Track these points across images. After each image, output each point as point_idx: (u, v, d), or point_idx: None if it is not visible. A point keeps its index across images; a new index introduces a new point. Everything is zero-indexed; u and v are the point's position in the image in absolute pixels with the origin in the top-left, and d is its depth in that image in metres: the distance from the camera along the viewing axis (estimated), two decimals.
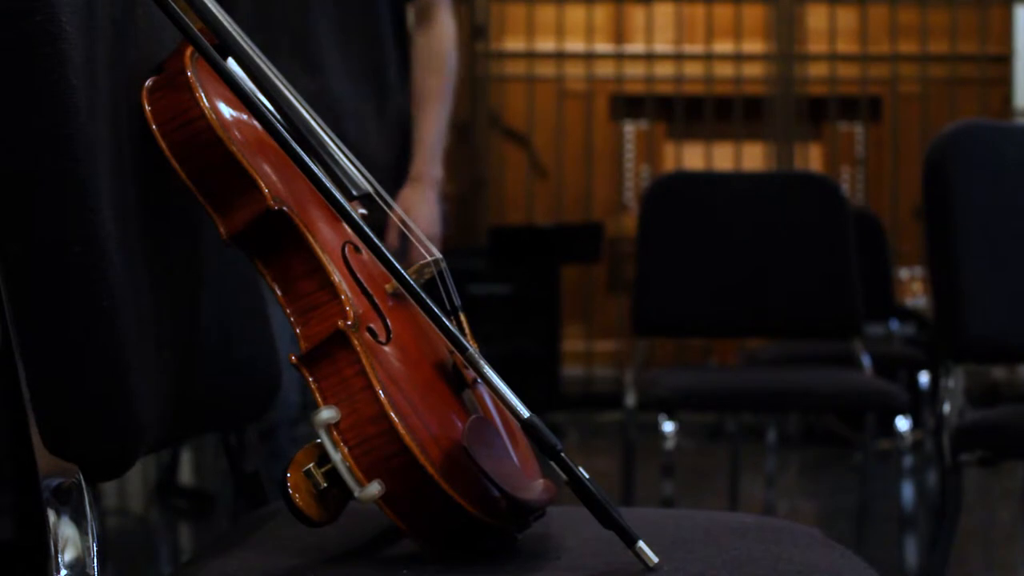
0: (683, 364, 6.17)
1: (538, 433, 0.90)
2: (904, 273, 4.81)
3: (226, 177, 0.94)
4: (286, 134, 0.95)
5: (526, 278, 5.64)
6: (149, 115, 0.95)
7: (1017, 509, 4.09)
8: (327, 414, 0.89)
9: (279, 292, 0.95)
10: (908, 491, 3.40)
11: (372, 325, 0.94)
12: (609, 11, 6.76)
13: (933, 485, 4.22)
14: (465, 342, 0.93)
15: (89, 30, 0.89)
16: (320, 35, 2.18)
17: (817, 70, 6.71)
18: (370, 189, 1.05)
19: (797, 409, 4.68)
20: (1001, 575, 3.33)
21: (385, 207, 1.07)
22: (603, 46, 6.74)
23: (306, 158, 0.95)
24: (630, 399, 2.88)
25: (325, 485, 0.88)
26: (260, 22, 2.13)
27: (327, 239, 0.97)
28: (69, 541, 0.87)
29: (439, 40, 2.33)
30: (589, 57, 6.69)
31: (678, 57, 6.66)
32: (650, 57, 6.66)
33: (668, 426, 2.57)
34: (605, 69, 6.71)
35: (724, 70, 6.65)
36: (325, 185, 0.95)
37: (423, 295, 0.95)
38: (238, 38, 1.01)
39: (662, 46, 6.70)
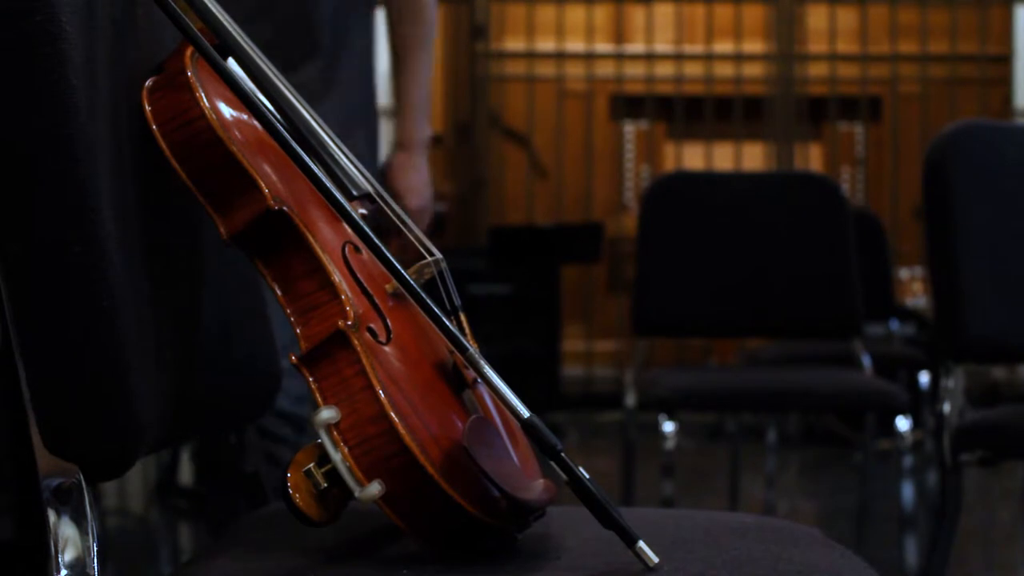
0: (683, 364, 6.17)
1: (538, 433, 0.90)
2: (904, 273, 4.81)
3: (226, 177, 0.94)
4: (286, 134, 0.96)
5: (526, 278, 5.64)
6: (149, 115, 0.95)
7: (1017, 509, 4.09)
8: (327, 414, 0.89)
9: (279, 292, 0.95)
10: (908, 491, 3.40)
11: (372, 325, 0.94)
12: (609, 11, 6.76)
13: (933, 485, 4.22)
14: (465, 342, 0.94)
15: (89, 30, 0.89)
16: None
17: (817, 70, 6.71)
18: (370, 189, 1.05)
19: (797, 409, 4.68)
20: (1001, 575, 3.33)
21: (385, 207, 1.07)
22: (603, 46, 6.74)
23: (306, 158, 0.95)
24: (630, 399, 2.88)
25: (325, 485, 0.89)
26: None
27: (327, 239, 0.97)
28: (69, 541, 0.87)
29: None
30: (589, 57, 6.69)
31: (678, 57, 6.66)
32: (650, 57, 6.66)
33: (668, 426, 2.57)
34: (605, 69, 6.71)
35: (724, 70, 6.65)
36: (325, 185, 0.96)
37: (423, 295, 0.95)
38: (238, 38, 1.01)
39: (662, 46, 6.70)
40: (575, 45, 6.70)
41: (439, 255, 1.07)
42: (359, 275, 0.98)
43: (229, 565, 0.96)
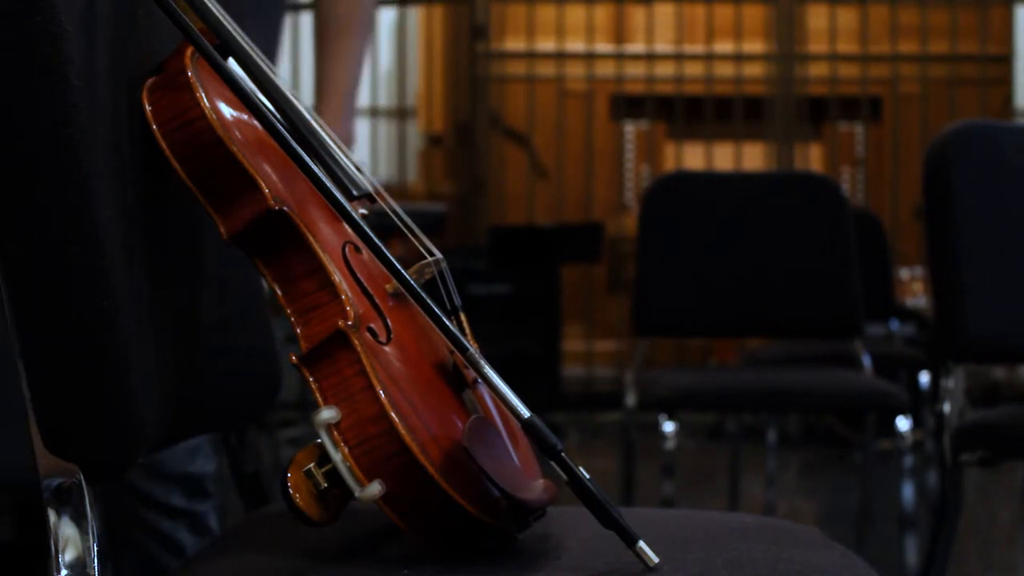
0: (683, 364, 6.17)
1: (538, 433, 0.90)
2: (904, 273, 4.81)
3: (226, 177, 0.94)
4: (286, 134, 0.96)
5: (526, 278, 5.64)
6: (149, 115, 0.95)
7: (1017, 509, 4.09)
8: (327, 414, 0.89)
9: (279, 292, 0.95)
10: (908, 491, 3.40)
11: (372, 325, 0.94)
12: (609, 11, 6.76)
13: (933, 485, 4.22)
14: (465, 342, 0.94)
15: (89, 30, 0.89)
16: None
17: (817, 70, 6.71)
18: (370, 189, 1.05)
19: (797, 409, 4.68)
20: (1001, 575, 3.33)
21: (386, 207, 1.07)
22: (603, 46, 6.74)
23: (306, 158, 0.95)
24: (630, 399, 2.88)
25: (325, 485, 0.89)
26: None
27: (327, 239, 0.97)
28: (69, 541, 0.87)
29: None
30: (589, 57, 6.69)
31: (678, 57, 6.66)
32: (650, 57, 6.66)
33: (668, 426, 2.57)
34: (605, 69, 6.71)
35: (724, 70, 6.65)
36: (325, 185, 0.96)
37: (424, 295, 0.95)
38: (238, 38, 1.01)
39: (662, 46, 6.70)
40: (575, 45, 6.70)
41: (439, 255, 1.07)
42: (359, 275, 0.98)
43: (229, 565, 0.96)
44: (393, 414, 0.88)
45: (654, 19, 6.67)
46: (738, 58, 6.62)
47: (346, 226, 1.00)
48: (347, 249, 0.99)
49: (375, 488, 0.87)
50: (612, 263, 6.51)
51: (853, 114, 6.72)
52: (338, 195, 0.96)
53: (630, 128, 6.80)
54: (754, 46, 6.71)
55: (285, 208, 0.94)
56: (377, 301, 0.97)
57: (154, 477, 1.71)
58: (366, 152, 6.63)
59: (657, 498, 2.79)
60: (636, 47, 6.73)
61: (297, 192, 0.97)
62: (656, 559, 0.88)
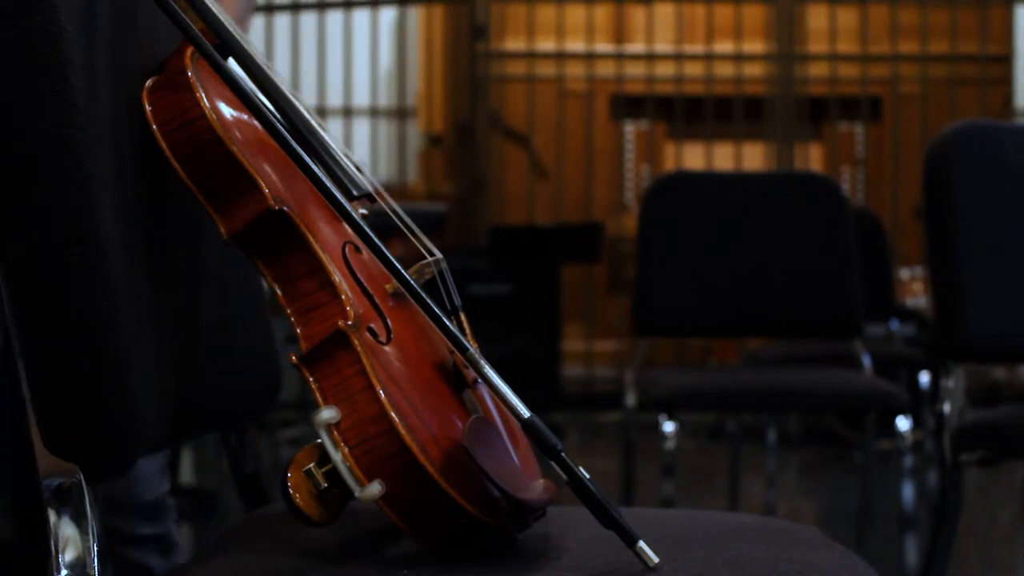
0: (683, 364, 6.17)
1: (538, 433, 0.90)
2: (904, 273, 4.80)
3: (226, 177, 0.94)
4: (286, 134, 0.96)
5: (526, 278, 5.64)
6: (149, 115, 0.95)
7: (1017, 509, 4.09)
8: (327, 414, 0.89)
9: (279, 292, 0.95)
10: (908, 491, 3.40)
11: (372, 325, 0.94)
12: (609, 11, 6.76)
13: (933, 485, 4.22)
14: (465, 342, 0.94)
15: (89, 30, 0.89)
16: None
17: (817, 70, 6.71)
18: (370, 189, 1.05)
19: (797, 409, 4.68)
20: (1001, 575, 3.33)
21: (386, 207, 1.07)
22: (603, 46, 6.74)
23: (306, 158, 0.95)
24: (630, 399, 2.88)
25: (325, 485, 0.89)
26: None
27: (327, 239, 0.97)
28: (69, 541, 0.87)
29: None
30: (589, 57, 6.69)
31: (678, 57, 6.66)
32: (650, 57, 6.66)
33: (668, 426, 2.57)
34: (605, 69, 6.71)
35: (724, 70, 6.65)
36: (325, 185, 0.96)
37: (424, 295, 0.95)
38: (238, 38, 1.01)
39: (662, 46, 6.69)
40: (575, 45, 6.69)
41: (439, 255, 1.07)
42: (359, 275, 0.98)
43: (229, 565, 0.96)
44: (393, 414, 0.88)
45: (654, 19, 6.67)
46: (738, 58, 6.62)
47: (346, 226, 1.00)
48: (347, 249, 0.99)
49: (375, 488, 0.87)
50: (612, 263, 6.51)
51: (853, 114, 6.72)
52: (338, 195, 0.96)
53: (630, 128, 6.80)
54: (754, 46, 6.71)
55: (285, 208, 0.94)
56: (377, 301, 0.97)
57: (117, 511, 1.71)
58: (366, 152, 6.63)
59: (657, 498, 2.79)
60: (636, 47, 6.73)
61: (297, 192, 0.97)
62: (656, 559, 0.88)
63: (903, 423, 2.70)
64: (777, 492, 4.18)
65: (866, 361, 3.00)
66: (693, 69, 6.65)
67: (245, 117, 0.98)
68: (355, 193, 1.02)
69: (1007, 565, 3.46)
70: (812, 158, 6.80)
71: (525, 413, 0.91)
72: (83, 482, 0.88)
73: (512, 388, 0.93)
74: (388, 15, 6.88)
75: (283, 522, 1.06)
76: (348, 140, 6.55)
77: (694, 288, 2.96)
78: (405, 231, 1.06)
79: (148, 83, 0.96)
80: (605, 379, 6.39)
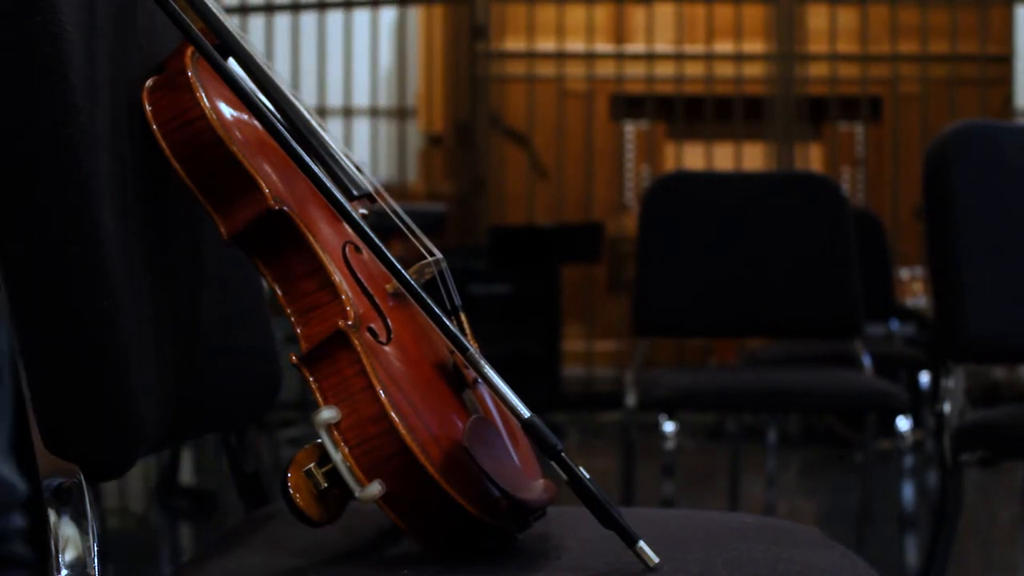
0: (683, 364, 6.17)
1: (539, 433, 0.90)
2: (904, 273, 4.80)
3: (227, 177, 0.94)
4: (287, 134, 0.96)
5: (526, 278, 5.64)
6: (150, 115, 0.95)
7: (1017, 509, 4.09)
8: (327, 414, 0.89)
9: (279, 292, 0.95)
10: (908, 491, 3.40)
11: (373, 325, 0.94)
12: (609, 11, 6.76)
13: (933, 485, 4.21)
14: (466, 342, 0.94)
15: (89, 30, 0.89)
16: None
17: (817, 70, 6.71)
18: (370, 189, 1.05)
19: (797, 409, 4.68)
20: (1001, 575, 3.33)
21: (386, 207, 1.07)
22: (603, 46, 6.74)
23: (307, 158, 0.95)
24: (630, 399, 2.88)
25: (326, 485, 0.89)
26: None
27: (327, 239, 0.97)
28: (70, 541, 0.87)
29: None
30: (589, 57, 6.69)
31: (678, 57, 6.66)
32: (650, 57, 6.66)
33: (668, 426, 2.57)
34: (605, 69, 6.71)
35: (724, 70, 6.65)
36: (326, 185, 0.96)
37: (424, 295, 0.95)
38: (238, 38, 1.01)
39: (662, 46, 6.69)
40: (575, 45, 6.69)
41: (439, 255, 1.07)
42: (359, 275, 0.98)
43: (229, 565, 0.96)
44: (393, 414, 0.88)
45: (654, 19, 6.67)
46: (738, 58, 6.62)
47: (346, 226, 1.00)
48: (347, 249, 0.99)
49: (375, 488, 0.87)
50: (612, 263, 6.51)
51: (853, 114, 6.72)
52: (338, 195, 0.96)
53: (630, 128, 6.80)
54: (754, 46, 6.71)
55: (285, 208, 0.94)
56: (377, 301, 0.97)
57: None
58: (366, 152, 6.63)
59: (657, 498, 2.79)
60: (636, 47, 6.73)
61: (297, 192, 0.97)
62: (656, 559, 0.88)
63: (903, 423, 2.70)
64: (777, 492, 4.18)
65: (866, 361, 3.00)
66: (693, 69, 6.65)
67: (245, 117, 0.98)
68: (355, 193, 1.02)
69: (1007, 565, 3.46)
70: (812, 158, 6.80)
71: (525, 413, 0.91)
72: (83, 482, 0.88)
73: (512, 388, 0.93)
74: (388, 15, 6.88)
75: (283, 522, 1.06)
76: (348, 140, 6.55)
77: (694, 288, 2.96)
78: (405, 231, 1.06)
79: (148, 83, 0.96)
80: (605, 379, 6.39)
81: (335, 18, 6.60)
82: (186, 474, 4.41)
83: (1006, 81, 6.73)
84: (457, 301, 1.05)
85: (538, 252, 5.68)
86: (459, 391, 1.00)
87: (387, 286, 1.01)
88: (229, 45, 0.99)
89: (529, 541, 0.97)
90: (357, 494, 0.88)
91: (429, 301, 0.94)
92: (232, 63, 0.99)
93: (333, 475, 0.88)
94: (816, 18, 6.72)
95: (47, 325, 0.87)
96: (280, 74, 1.04)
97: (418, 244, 1.06)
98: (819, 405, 3.46)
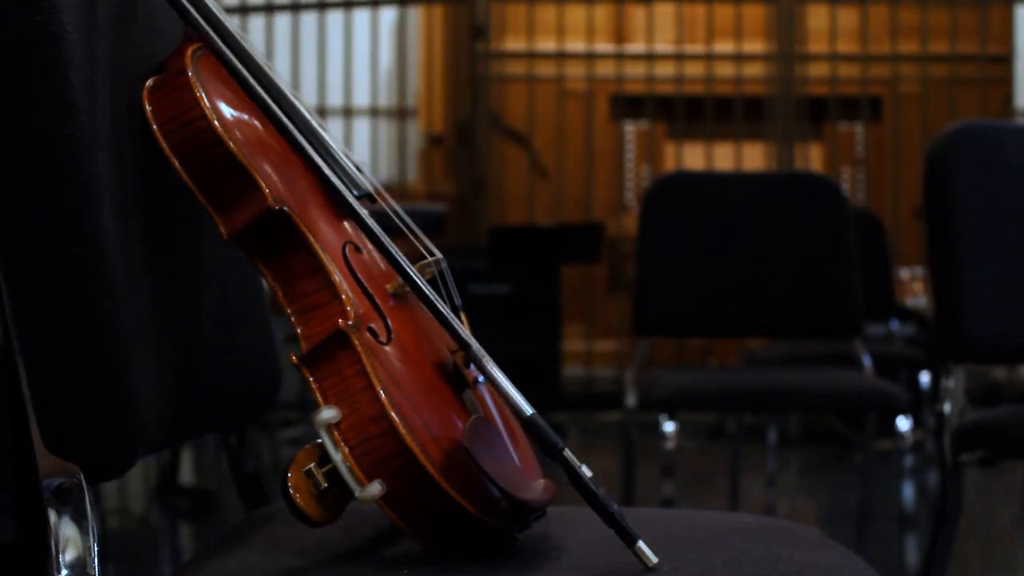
0: (683, 364, 6.17)
1: (540, 431, 0.90)
2: (904, 273, 4.80)
3: (227, 177, 0.94)
4: (291, 126, 0.96)
5: (526, 278, 5.64)
6: (150, 115, 0.95)
7: (1017, 509, 4.09)
8: (328, 414, 0.89)
9: (280, 292, 0.95)
10: (908, 491, 3.40)
11: (373, 325, 0.94)
12: (609, 11, 6.76)
13: (933, 485, 4.21)
14: (469, 338, 0.94)
15: (89, 30, 0.89)
16: None
17: (817, 70, 6.71)
18: (371, 189, 1.05)
19: (797, 409, 4.68)
20: (1001, 575, 3.33)
21: (386, 207, 1.07)
22: (603, 46, 6.74)
23: (314, 154, 0.95)
24: (630, 399, 2.88)
25: (326, 485, 0.89)
26: None
27: (328, 239, 0.97)
28: (70, 541, 0.87)
29: None
30: (589, 57, 6.69)
31: (678, 57, 6.66)
32: (650, 57, 6.66)
33: (668, 426, 2.57)
34: (605, 69, 6.71)
35: (724, 70, 6.65)
36: (332, 183, 0.96)
37: (429, 291, 0.95)
38: (238, 38, 1.01)
39: (662, 46, 6.69)
40: (575, 45, 6.69)
41: (439, 255, 1.07)
42: (359, 275, 0.98)
43: (229, 565, 0.96)
44: (393, 414, 0.88)
45: (654, 19, 6.67)
46: (738, 58, 6.62)
47: (347, 226, 1.01)
48: (347, 249, 0.99)
49: (375, 488, 0.87)
50: (612, 263, 6.51)
51: (853, 114, 6.72)
52: (345, 193, 0.96)
53: (630, 128, 6.80)
54: (754, 46, 6.71)
55: (285, 208, 0.94)
56: (377, 301, 0.97)
57: None
58: (366, 152, 6.63)
59: (657, 498, 2.79)
60: (636, 47, 6.73)
61: (297, 192, 0.97)
62: (655, 559, 0.88)
63: (903, 423, 2.70)
64: (777, 492, 4.18)
65: (866, 361, 3.00)
66: (693, 69, 6.65)
67: (246, 117, 0.98)
68: (355, 193, 1.02)
69: (1007, 565, 3.46)
70: (812, 158, 6.80)
71: (528, 411, 0.91)
72: (83, 482, 0.88)
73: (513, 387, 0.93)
74: (388, 15, 6.88)
75: (283, 522, 1.06)
76: (348, 140, 6.55)
77: (694, 288, 2.96)
78: (405, 231, 1.06)
79: (148, 83, 0.96)
80: (605, 379, 6.39)
81: (335, 18, 6.60)
82: (186, 474, 4.41)
83: (1006, 81, 6.73)
84: (457, 301, 1.05)
85: (538, 252, 5.68)
86: (459, 391, 1.00)
87: (387, 286, 1.01)
88: (230, 45, 0.99)
89: (529, 541, 0.97)
90: (357, 494, 0.88)
91: (435, 297, 0.95)
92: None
93: (333, 475, 0.88)
94: (816, 18, 6.72)
95: (47, 325, 0.87)
96: (280, 74, 1.04)
97: (418, 244, 1.06)
98: (819, 405, 3.46)
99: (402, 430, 0.87)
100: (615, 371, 6.38)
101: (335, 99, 6.52)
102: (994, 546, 3.66)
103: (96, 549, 0.88)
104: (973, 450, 1.92)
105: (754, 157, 6.70)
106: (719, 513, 1.12)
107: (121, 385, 0.89)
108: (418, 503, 0.89)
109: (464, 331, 0.94)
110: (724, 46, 6.65)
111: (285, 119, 0.98)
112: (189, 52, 0.97)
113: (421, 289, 0.95)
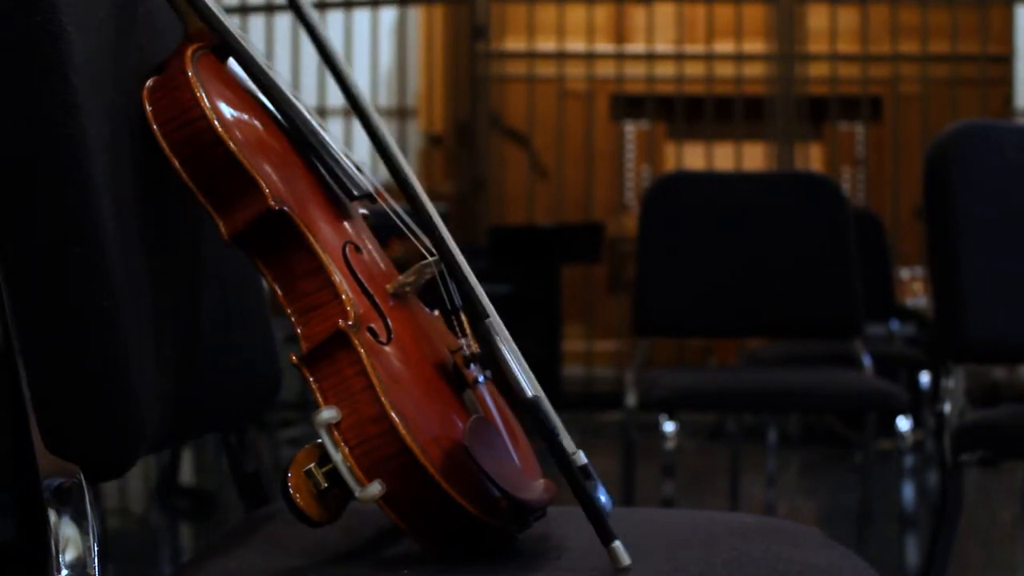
0: (683, 364, 6.17)
1: (537, 414, 0.91)
2: (904, 273, 4.80)
3: (227, 177, 0.94)
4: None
5: (526, 278, 5.64)
6: (150, 115, 0.95)
7: (1017, 509, 4.09)
8: (328, 414, 0.89)
9: (280, 292, 0.95)
10: (908, 491, 3.40)
11: (373, 325, 0.94)
12: (610, 11, 6.76)
13: (933, 485, 4.21)
14: (488, 307, 0.94)
15: (89, 30, 0.89)
16: None
17: (818, 70, 6.71)
18: (371, 189, 1.05)
19: (797, 409, 4.68)
20: (1001, 575, 3.33)
21: (386, 207, 1.07)
22: (604, 46, 6.74)
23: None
24: (630, 399, 2.88)
25: (326, 485, 0.89)
26: None
27: (328, 239, 0.97)
28: (70, 541, 0.87)
29: None
30: (589, 57, 6.69)
31: (679, 57, 6.66)
32: (651, 57, 6.66)
33: (668, 426, 2.57)
34: (605, 69, 6.71)
35: (725, 70, 6.65)
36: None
37: (455, 255, 0.95)
38: (239, 38, 1.01)
39: (663, 46, 6.70)
40: (575, 45, 6.70)
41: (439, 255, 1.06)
42: (359, 275, 0.98)
43: (229, 565, 0.96)
44: (393, 414, 0.88)
45: (654, 19, 6.67)
46: (738, 58, 6.62)
47: (347, 225, 1.01)
48: (347, 249, 0.99)
49: (375, 488, 0.87)
50: (612, 263, 6.51)
51: (853, 114, 6.72)
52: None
53: (630, 128, 6.80)
54: (754, 46, 6.71)
55: (285, 208, 0.94)
56: (377, 301, 0.97)
57: None
58: (366, 152, 6.63)
59: (657, 498, 2.79)
60: (636, 47, 6.73)
61: (297, 192, 0.97)
62: (628, 561, 0.88)
63: (903, 423, 2.70)
64: (777, 492, 4.18)
65: (866, 361, 3.00)
66: (693, 69, 6.65)
67: (246, 117, 0.98)
68: (356, 193, 1.03)
69: (1007, 565, 3.46)
70: (812, 158, 6.80)
71: (529, 392, 0.92)
72: (83, 482, 0.88)
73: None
74: (388, 15, 6.88)
75: (283, 522, 1.06)
76: (348, 140, 6.56)
77: (694, 288, 2.96)
78: (405, 231, 1.06)
79: (148, 83, 0.96)
80: (605, 379, 6.39)
81: (335, 18, 6.60)
82: (186, 474, 4.41)
83: (1006, 81, 6.74)
84: (457, 301, 1.05)
85: (538, 252, 5.68)
86: (459, 391, 1.00)
87: (387, 286, 1.01)
88: (230, 45, 0.99)
89: (529, 541, 0.97)
90: (357, 494, 0.88)
91: (458, 257, 0.95)
92: (232, 63, 0.99)
93: (333, 475, 0.88)
94: (816, 18, 6.72)
95: (47, 325, 0.86)
96: (280, 74, 1.04)
97: (418, 244, 1.06)
98: (819, 405, 3.46)
99: (402, 430, 0.87)
100: (615, 371, 6.38)
101: (335, 99, 6.52)
102: (994, 546, 3.66)
103: (96, 549, 0.88)
104: (973, 450, 1.91)
105: (754, 157, 6.70)
106: (719, 513, 1.12)
107: (121, 385, 0.89)
108: (418, 503, 0.89)
109: (481, 297, 0.95)
110: (724, 46, 6.66)
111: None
112: (189, 52, 0.97)
113: (451, 254, 0.96)
